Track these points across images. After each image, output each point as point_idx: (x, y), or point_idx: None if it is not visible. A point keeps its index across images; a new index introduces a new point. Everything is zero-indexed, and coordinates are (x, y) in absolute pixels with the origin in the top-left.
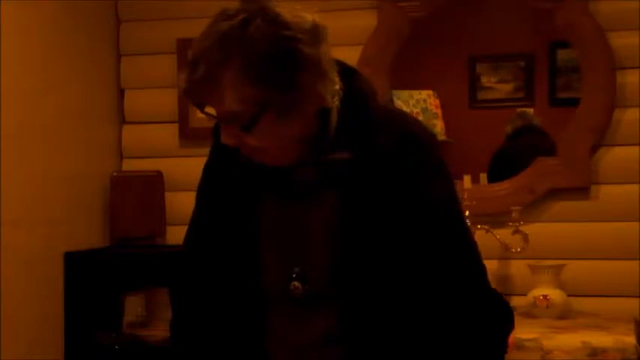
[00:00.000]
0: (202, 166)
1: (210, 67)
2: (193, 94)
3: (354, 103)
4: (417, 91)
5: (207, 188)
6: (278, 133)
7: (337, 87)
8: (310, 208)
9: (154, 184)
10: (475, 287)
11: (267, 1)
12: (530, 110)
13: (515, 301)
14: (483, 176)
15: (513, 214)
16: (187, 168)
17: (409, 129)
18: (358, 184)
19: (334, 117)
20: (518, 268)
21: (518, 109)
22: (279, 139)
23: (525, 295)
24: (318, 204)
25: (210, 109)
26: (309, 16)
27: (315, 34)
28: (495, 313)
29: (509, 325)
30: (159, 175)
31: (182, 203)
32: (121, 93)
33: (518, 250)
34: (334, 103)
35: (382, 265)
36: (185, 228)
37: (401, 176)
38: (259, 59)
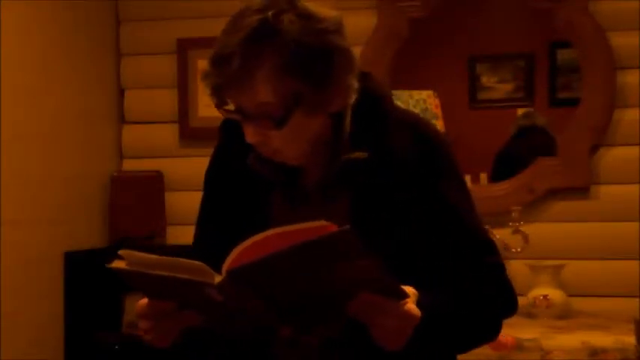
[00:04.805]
0: (202, 166)
1: (245, 60)
2: (226, 88)
3: (369, 104)
4: (417, 91)
5: (214, 187)
6: (304, 132)
7: (356, 87)
8: (322, 210)
9: (154, 184)
10: (493, 281)
11: None
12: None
13: None
14: (483, 176)
15: (513, 214)
16: (187, 168)
17: (424, 130)
18: (373, 185)
19: (348, 117)
20: (518, 268)
21: (522, 109)
22: (303, 140)
23: (525, 295)
24: (331, 205)
25: (230, 107)
26: (333, 12)
27: (343, 28)
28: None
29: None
30: (159, 175)
31: (182, 203)
32: (121, 93)
33: (518, 250)
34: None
35: (395, 267)
36: (185, 228)
37: (416, 177)
38: (296, 52)
